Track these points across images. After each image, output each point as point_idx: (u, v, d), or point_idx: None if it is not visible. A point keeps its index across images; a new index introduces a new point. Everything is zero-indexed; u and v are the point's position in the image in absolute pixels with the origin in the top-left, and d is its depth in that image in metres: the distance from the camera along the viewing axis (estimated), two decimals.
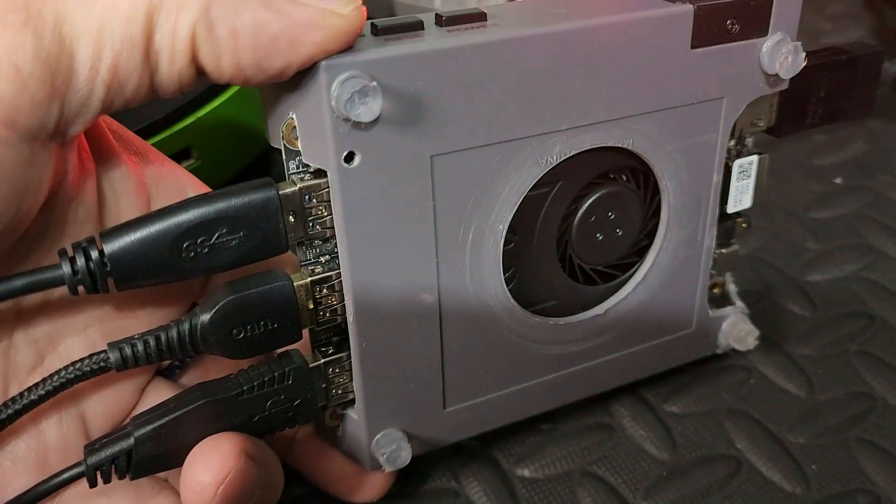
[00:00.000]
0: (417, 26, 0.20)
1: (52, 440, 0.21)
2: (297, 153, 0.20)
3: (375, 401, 0.22)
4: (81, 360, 0.19)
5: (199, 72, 0.18)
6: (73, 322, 0.21)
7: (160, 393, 0.23)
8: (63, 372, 0.19)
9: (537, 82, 0.20)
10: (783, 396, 0.31)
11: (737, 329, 0.29)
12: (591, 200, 0.24)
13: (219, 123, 0.36)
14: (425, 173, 0.20)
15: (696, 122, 0.24)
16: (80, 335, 0.21)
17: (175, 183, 0.22)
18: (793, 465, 0.28)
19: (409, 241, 0.20)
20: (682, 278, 0.27)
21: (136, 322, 0.21)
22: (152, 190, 0.22)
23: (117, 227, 0.18)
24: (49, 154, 0.17)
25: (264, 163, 0.42)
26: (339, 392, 0.22)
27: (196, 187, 0.23)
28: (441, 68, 0.19)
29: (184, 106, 0.34)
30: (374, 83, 0.18)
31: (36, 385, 0.19)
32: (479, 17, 0.20)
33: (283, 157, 0.20)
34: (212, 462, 0.19)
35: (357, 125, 0.18)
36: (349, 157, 0.19)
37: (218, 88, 0.36)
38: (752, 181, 0.27)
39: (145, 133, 0.33)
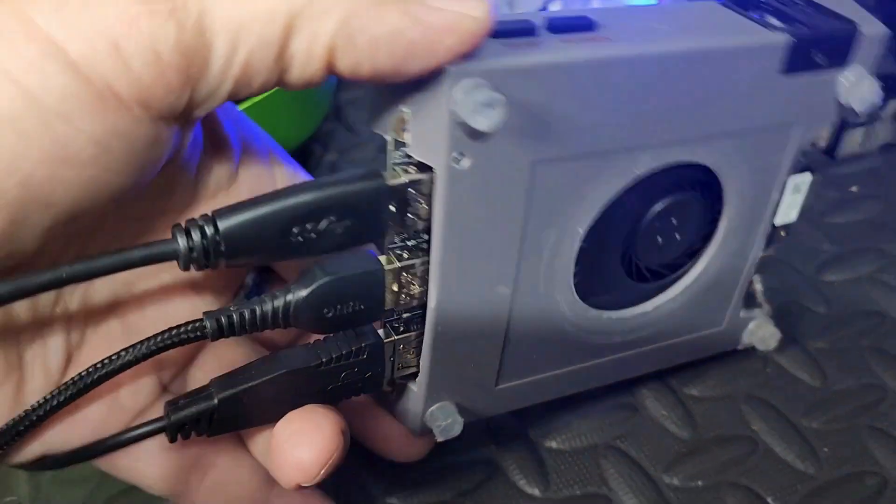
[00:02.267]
0: (531, 31, 0.20)
1: (125, 376, 0.21)
2: (403, 144, 0.20)
3: (437, 377, 0.23)
4: (178, 326, 0.20)
5: (330, 72, 0.18)
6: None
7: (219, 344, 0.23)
8: (160, 337, 0.20)
9: (641, 97, 0.21)
10: (798, 385, 0.33)
11: (761, 330, 0.30)
12: (660, 207, 0.25)
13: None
14: (525, 178, 0.20)
15: (768, 143, 0.25)
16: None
17: (263, 171, 0.23)
18: (806, 447, 0.30)
19: (498, 238, 0.21)
20: (727, 283, 0.28)
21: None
22: (241, 173, 0.22)
23: (233, 207, 0.19)
24: (171, 133, 0.18)
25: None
26: (403, 366, 0.23)
27: (288, 174, 0.24)
28: (560, 81, 0.19)
29: None
30: (502, 96, 0.18)
31: (131, 347, 0.20)
32: (588, 24, 0.21)
33: (388, 146, 0.20)
34: (314, 441, 0.20)
35: (474, 131, 0.18)
36: (459, 159, 0.19)
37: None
38: (801, 196, 0.28)
39: None
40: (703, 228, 0.27)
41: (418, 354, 0.23)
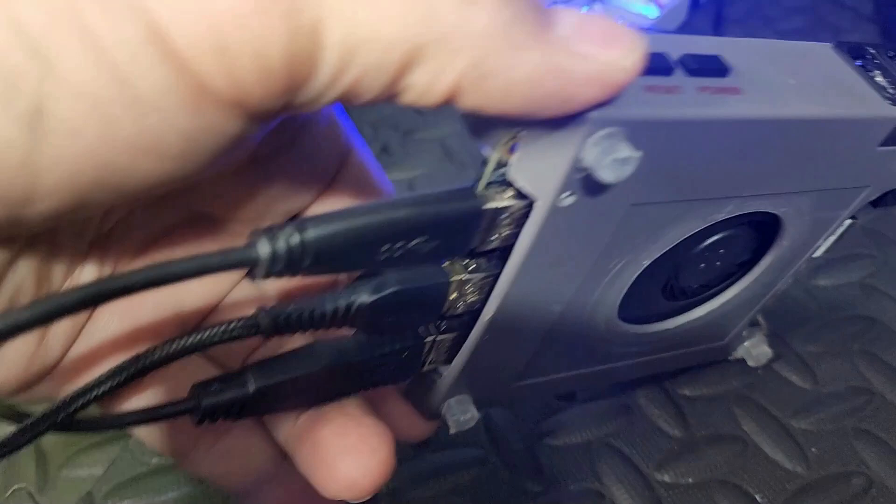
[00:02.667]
0: (667, 70, 0.19)
1: (146, 322, 0.21)
2: (505, 165, 0.19)
3: (465, 375, 0.23)
4: (230, 322, 0.19)
5: (446, 104, 0.16)
6: None
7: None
8: (212, 331, 0.19)
9: (751, 154, 0.21)
10: (788, 387, 0.33)
11: (756, 349, 0.31)
12: (713, 240, 0.25)
13: None
14: (618, 217, 0.20)
15: (840, 199, 0.25)
16: None
17: (357, 175, 0.22)
18: (795, 447, 0.31)
19: (571, 266, 0.21)
20: (749, 306, 0.29)
21: None
22: (336, 181, 0.22)
23: (323, 217, 0.17)
24: (259, 130, 0.17)
25: None
26: (433, 362, 0.23)
27: (378, 186, 0.23)
28: (692, 136, 0.19)
29: None
30: (639, 154, 0.17)
31: (185, 338, 0.19)
32: (721, 69, 0.20)
33: (488, 162, 0.19)
34: (370, 465, 0.19)
35: (594, 180, 0.17)
36: (565, 197, 0.18)
37: None
38: (835, 237, 0.28)
39: None
40: (745, 258, 0.27)
41: (450, 352, 0.23)
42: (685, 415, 0.32)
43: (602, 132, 0.16)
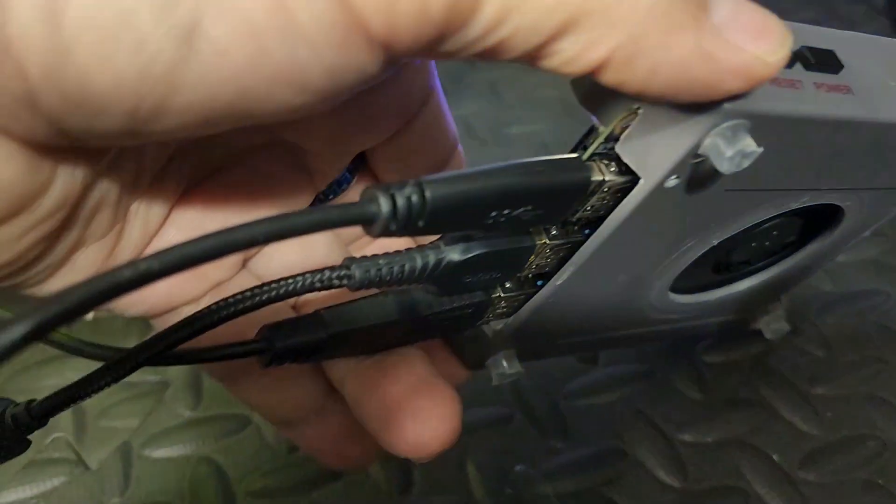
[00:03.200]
0: (789, 62, 0.19)
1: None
2: (616, 139, 0.18)
3: (519, 332, 0.24)
4: (322, 271, 0.18)
5: (584, 73, 0.16)
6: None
7: None
8: (304, 279, 0.19)
9: (845, 151, 0.21)
10: (805, 356, 0.34)
11: (775, 323, 0.32)
12: (773, 222, 0.25)
13: None
14: (710, 201, 0.20)
15: None
16: None
17: (434, 117, 0.22)
18: (811, 410, 0.32)
19: (653, 241, 0.22)
20: (786, 283, 0.30)
21: None
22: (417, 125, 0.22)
23: (444, 178, 0.17)
24: (391, 72, 0.16)
25: None
26: (492, 317, 0.23)
27: (449, 127, 0.23)
28: (805, 131, 0.19)
29: None
30: (760, 149, 0.16)
31: (274, 285, 0.18)
32: (836, 65, 0.20)
33: (598, 133, 0.19)
34: (441, 428, 0.20)
35: (707, 166, 0.17)
36: (671, 179, 0.18)
37: None
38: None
39: None
40: (793, 239, 0.28)
41: (511, 309, 0.23)
42: (706, 379, 0.33)
43: (729, 123, 0.16)
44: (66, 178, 0.16)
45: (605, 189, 0.19)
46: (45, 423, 0.19)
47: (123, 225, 0.19)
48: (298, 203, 0.23)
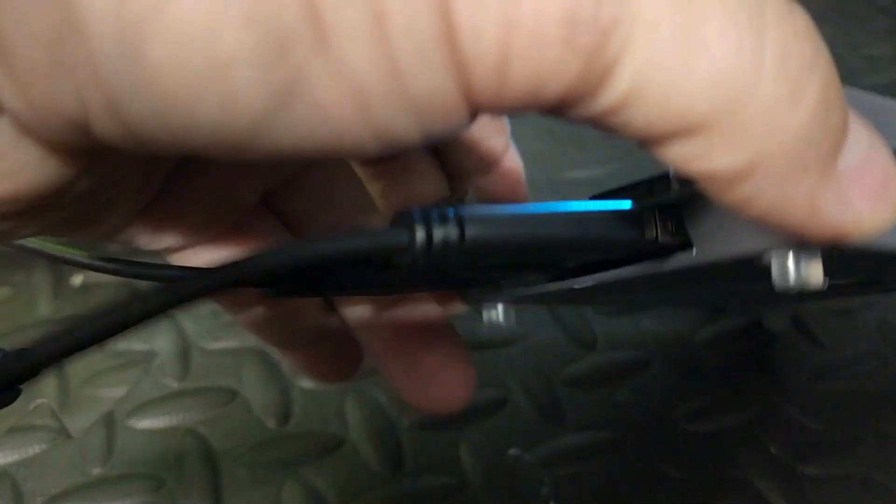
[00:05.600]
0: None
1: (239, 174, 0.21)
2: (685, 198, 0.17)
3: (524, 300, 0.23)
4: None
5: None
6: None
7: None
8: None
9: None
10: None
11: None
12: None
13: None
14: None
15: None
16: None
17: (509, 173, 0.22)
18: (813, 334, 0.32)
19: (664, 286, 0.22)
20: None
21: None
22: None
23: (483, 217, 0.15)
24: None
25: None
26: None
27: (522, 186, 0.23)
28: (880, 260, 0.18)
29: None
30: (824, 286, 0.15)
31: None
32: None
33: (668, 182, 0.17)
34: (458, 393, 0.23)
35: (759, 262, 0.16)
36: None
37: None
38: None
39: None
40: None
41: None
42: (704, 370, 0.33)
43: (805, 252, 0.15)
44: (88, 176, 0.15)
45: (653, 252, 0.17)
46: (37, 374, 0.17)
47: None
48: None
